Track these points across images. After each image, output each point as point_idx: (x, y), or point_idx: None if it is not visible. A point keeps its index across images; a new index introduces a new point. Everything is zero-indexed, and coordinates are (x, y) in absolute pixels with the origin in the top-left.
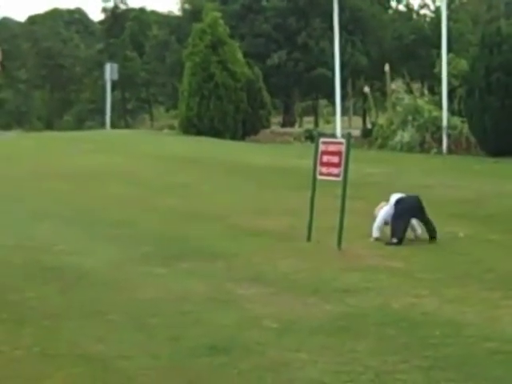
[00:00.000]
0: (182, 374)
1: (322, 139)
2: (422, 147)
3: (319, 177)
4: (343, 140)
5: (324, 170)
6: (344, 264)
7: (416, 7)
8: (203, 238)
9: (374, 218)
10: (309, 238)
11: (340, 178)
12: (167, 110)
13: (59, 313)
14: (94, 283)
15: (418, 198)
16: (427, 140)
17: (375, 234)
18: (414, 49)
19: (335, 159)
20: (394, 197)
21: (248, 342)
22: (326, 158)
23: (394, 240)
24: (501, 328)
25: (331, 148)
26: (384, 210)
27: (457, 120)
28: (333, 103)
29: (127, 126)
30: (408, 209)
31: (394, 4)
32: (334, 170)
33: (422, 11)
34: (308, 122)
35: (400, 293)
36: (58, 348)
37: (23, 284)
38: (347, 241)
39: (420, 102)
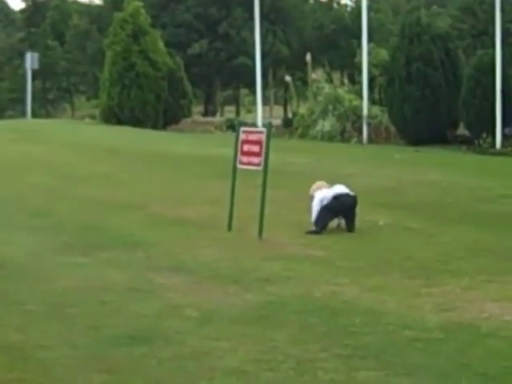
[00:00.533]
0: (101, 364)
1: (242, 128)
2: (342, 136)
3: (240, 166)
4: (264, 129)
5: (244, 159)
6: (265, 253)
7: None
8: (123, 227)
9: (310, 198)
10: (229, 228)
11: (260, 168)
12: (88, 100)
13: None
14: (13, 273)
15: (355, 198)
16: (347, 129)
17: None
18: (334, 38)
19: (256, 148)
20: (337, 189)
21: (168, 331)
22: (246, 147)
23: (316, 229)
24: (421, 316)
25: (252, 137)
26: (323, 193)
27: (377, 109)
28: (254, 92)
29: (48, 116)
30: (342, 209)
31: None
32: (255, 160)
33: (343, 1)
34: (229, 112)
35: (321, 281)
36: None
37: None
38: (268, 230)
39: (340, 91)
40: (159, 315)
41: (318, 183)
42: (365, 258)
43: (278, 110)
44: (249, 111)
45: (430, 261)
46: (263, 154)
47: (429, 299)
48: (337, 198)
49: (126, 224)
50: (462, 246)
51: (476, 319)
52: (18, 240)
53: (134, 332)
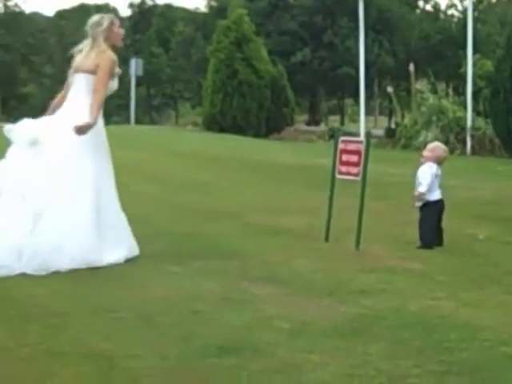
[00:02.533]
0: (190, 375)
1: (341, 138)
2: None
3: (338, 176)
4: (363, 139)
5: (343, 168)
6: (361, 265)
7: (443, 7)
8: (218, 235)
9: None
10: (327, 238)
11: (359, 178)
12: (193, 107)
13: (67, 310)
14: (106, 279)
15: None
16: (451, 141)
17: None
18: (440, 49)
19: (354, 158)
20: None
21: (259, 342)
22: (345, 157)
23: (426, 243)
24: None
25: (350, 147)
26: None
27: (481, 121)
28: (358, 102)
29: (153, 122)
30: (436, 214)
31: (421, 4)
32: (353, 169)
33: (450, 11)
34: (333, 121)
35: (417, 295)
36: (63, 346)
37: (30, 278)
38: (366, 241)
39: (444, 102)
40: (251, 326)
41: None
42: (463, 272)
43: (383, 121)
44: (353, 121)
45: None
46: (362, 164)
47: None
48: (438, 202)
49: (221, 232)
50: None
51: None
52: None
53: (224, 343)
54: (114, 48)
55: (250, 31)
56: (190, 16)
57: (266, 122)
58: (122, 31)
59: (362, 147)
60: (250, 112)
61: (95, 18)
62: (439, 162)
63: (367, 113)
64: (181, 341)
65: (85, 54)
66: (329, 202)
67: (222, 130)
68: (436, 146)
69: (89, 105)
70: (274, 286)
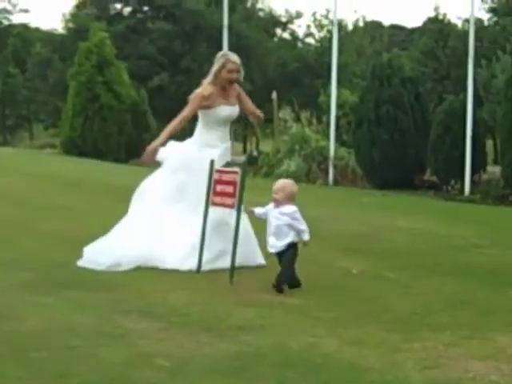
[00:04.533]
0: None
1: (216, 167)
2: (308, 177)
3: (212, 206)
4: (238, 169)
5: (217, 199)
6: (237, 298)
7: (301, 35)
8: None
9: (274, 203)
10: (199, 269)
11: (234, 209)
12: (46, 129)
13: None
14: None
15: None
16: (313, 170)
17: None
18: (297, 77)
19: (229, 189)
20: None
21: (140, 381)
22: (219, 188)
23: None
24: (404, 374)
25: (226, 177)
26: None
27: (344, 151)
28: None
29: (6, 143)
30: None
31: (279, 31)
32: (228, 200)
33: (307, 40)
34: None
35: (297, 331)
36: None
37: None
38: (238, 273)
39: (307, 131)
40: (129, 363)
41: (289, 184)
42: (341, 308)
43: (237, 147)
44: None
45: (409, 313)
46: (237, 195)
47: (411, 355)
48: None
49: None
50: (440, 298)
51: (462, 379)
52: None
53: (103, 381)
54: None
55: (112, 55)
56: (47, 37)
57: (127, 146)
58: None
59: (238, 178)
60: (110, 136)
61: None
62: (293, 198)
63: None
64: (57, 378)
65: None
66: (202, 232)
67: (81, 153)
68: (284, 184)
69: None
70: (150, 319)
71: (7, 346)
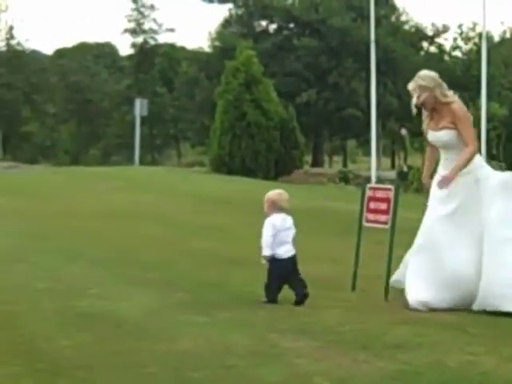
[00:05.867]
0: None
1: (369, 185)
2: None
3: (366, 224)
4: (391, 186)
5: (371, 216)
6: (392, 317)
7: (448, 48)
8: (242, 284)
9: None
10: (353, 288)
11: (388, 226)
12: (193, 147)
13: (95, 363)
14: (130, 332)
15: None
16: None
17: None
18: None
19: (383, 206)
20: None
21: None
22: (373, 205)
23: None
24: None
25: (379, 194)
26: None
27: (495, 165)
28: (362, 143)
29: (154, 162)
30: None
31: (425, 45)
32: (382, 217)
33: (454, 53)
34: (336, 162)
35: (454, 349)
36: None
37: (56, 331)
38: (392, 291)
39: None
40: (288, 382)
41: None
42: (498, 325)
43: (385, 162)
44: (354, 162)
45: None
46: (391, 212)
47: None
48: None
49: (244, 281)
50: None
51: None
52: (133, 295)
53: None
54: None
55: (259, 72)
56: (194, 56)
57: (275, 164)
58: None
59: (391, 194)
60: (259, 154)
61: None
62: (281, 209)
63: (368, 153)
64: None
65: None
66: (356, 250)
67: (230, 171)
68: (267, 194)
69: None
70: (305, 338)
71: (164, 366)
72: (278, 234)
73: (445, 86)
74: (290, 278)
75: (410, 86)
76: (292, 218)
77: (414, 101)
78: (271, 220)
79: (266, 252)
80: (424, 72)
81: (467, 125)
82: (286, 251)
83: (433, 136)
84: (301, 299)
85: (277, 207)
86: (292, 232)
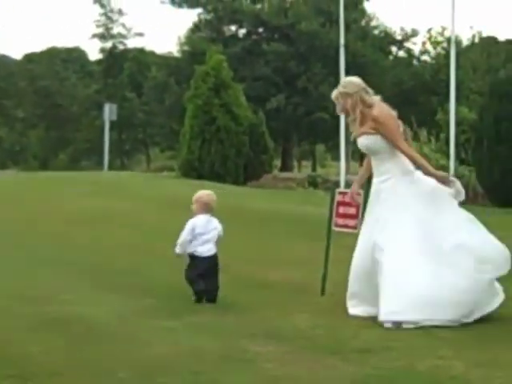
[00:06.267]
0: None
1: (338, 189)
2: None
3: (335, 228)
4: (360, 191)
5: (340, 221)
6: (361, 320)
7: (417, 53)
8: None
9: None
10: (323, 292)
11: (356, 230)
12: (162, 151)
13: (66, 369)
14: (102, 337)
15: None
16: None
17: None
18: (413, 95)
19: (352, 210)
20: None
21: None
22: (342, 209)
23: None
24: None
25: (348, 199)
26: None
27: (464, 169)
28: (331, 148)
29: (123, 167)
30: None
31: (394, 50)
32: (351, 222)
33: (423, 57)
34: (305, 167)
35: (423, 353)
36: None
37: (27, 337)
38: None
39: (427, 149)
40: None
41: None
42: (466, 328)
43: (354, 166)
44: (323, 166)
45: None
46: (360, 217)
47: None
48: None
49: None
50: None
51: None
52: (104, 300)
53: None
54: None
55: (228, 77)
56: (163, 61)
57: (245, 168)
58: None
59: (360, 199)
60: (228, 158)
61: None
62: (211, 210)
63: (337, 158)
64: None
65: None
66: (325, 255)
67: (199, 176)
68: (198, 195)
69: None
70: (275, 343)
71: (134, 371)
72: (202, 234)
73: (370, 90)
74: (207, 275)
75: (333, 94)
76: (217, 219)
77: (338, 109)
78: (195, 221)
79: (179, 250)
80: (346, 79)
81: (390, 128)
82: (207, 250)
83: (358, 142)
84: (209, 299)
85: (208, 208)
86: (216, 232)
